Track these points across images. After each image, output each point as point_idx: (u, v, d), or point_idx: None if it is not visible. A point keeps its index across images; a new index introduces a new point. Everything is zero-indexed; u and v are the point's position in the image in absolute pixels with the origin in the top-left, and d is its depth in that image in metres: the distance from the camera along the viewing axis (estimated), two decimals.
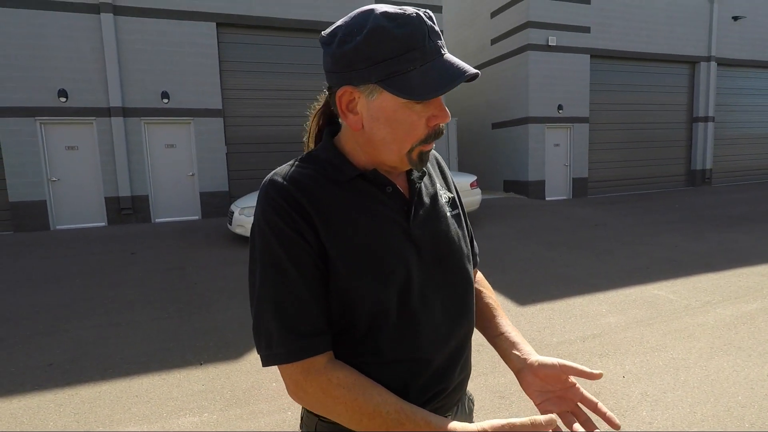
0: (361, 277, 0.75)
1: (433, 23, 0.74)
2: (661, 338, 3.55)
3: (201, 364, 3.32)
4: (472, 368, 0.99)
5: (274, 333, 0.72)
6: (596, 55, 12.16)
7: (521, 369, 0.88)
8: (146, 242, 7.49)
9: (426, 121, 0.75)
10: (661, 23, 12.88)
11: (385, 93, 0.72)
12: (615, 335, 3.63)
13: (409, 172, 0.85)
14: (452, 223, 0.89)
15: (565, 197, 12.27)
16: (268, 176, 0.79)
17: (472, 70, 0.73)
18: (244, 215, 6.89)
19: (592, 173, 12.61)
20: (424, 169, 0.88)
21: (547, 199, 11.87)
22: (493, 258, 6.20)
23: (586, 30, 11.92)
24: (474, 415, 1.03)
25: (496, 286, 4.93)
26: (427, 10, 0.74)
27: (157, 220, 9.21)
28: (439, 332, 0.82)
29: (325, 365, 0.73)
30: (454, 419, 0.83)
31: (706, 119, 13.85)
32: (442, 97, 0.75)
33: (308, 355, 0.72)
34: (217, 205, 9.41)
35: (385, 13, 0.70)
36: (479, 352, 3.13)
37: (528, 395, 0.87)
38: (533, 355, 0.88)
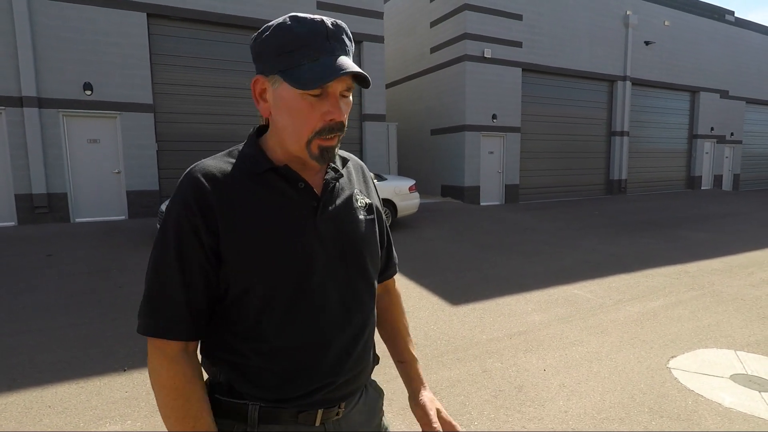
0: (256, 265, 0.82)
1: (338, 30, 0.81)
2: (579, 334, 3.84)
3: (125, 370, 3.13)
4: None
5: (144, 306, 0.82)
6: (527, 68, 12.92)
7: (410, 401, 1.05)
8: (64, 243, 6.90)
9: (321, 115, 0.81)
10: (584, 43, 13.95)
11: (284, 83, 0.80)
12: (538, 332, 3.89)
13: (326, 173, 0.91)
14: (363, 226, 0.94)
15: (498, 202, 12.88)
16: (191, 166, 0.86)
17: (353, 69, 0.78)
18: None
19: (523, 180, 13.36)
20: (342, 171, 0.95)
21: (481, 204, 12.40)
22: (429, 259, 6.38)
23: (519, 45, 12.64)
24: (385, 408, 1.10)
25: (432, 286, 5.08)
26: (337, 21, 0.82)
27: (78, 220, 8.50)
28: (333, 325, 0.88)
29: (175, 353, 0.81)
30: (351, 411, 0.94)
31: (622, 133, 15.16)
32: (338, 95, 0.81)
33: (159, 335, 0.81)
34: (145, 205, 8.85)
35: (294, 16, 0.80)
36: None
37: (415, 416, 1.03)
38: (416, 396, 1.04)
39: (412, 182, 8.45)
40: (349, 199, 0.94)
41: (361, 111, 10.99)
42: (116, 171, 8.78)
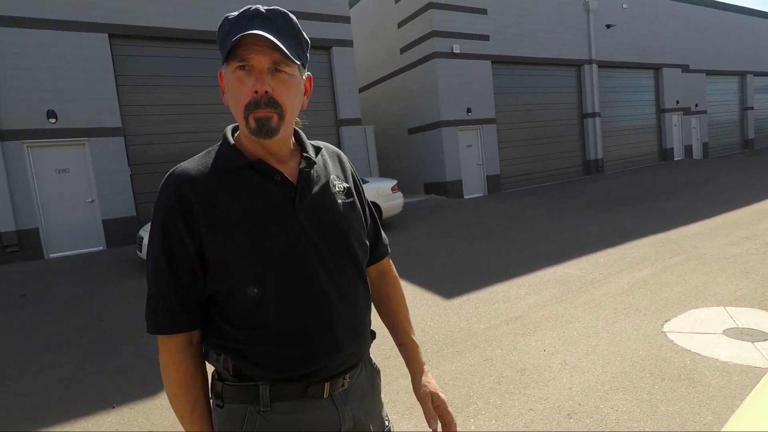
0: (242, 260, 0.86)
1: (268, 12, 0.86)
2: (574, 311, 3.87)
3: (114, 407, 3.00)
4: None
5: (147, 308, 0.90)
6: (496, 60, 13.08)
7: (412, 383, 1.10)
8: (39, 281, 6.65)
9: (249, 89, 0.84)
10: (549, 31, 14.19)
11: (226, 66, 0.87)
12: (534, 314, 3.89)
13: (300, 163, 0.95)
14: (342, 209, 0.98)
15: (481, 194, 12.97)
16: (169, 171, 0.90)
17: (253, 31, 0.82)
18: None
19: (503, 170, 13.48)
20: (317, 160, 0.99)
21: (465, 197, 12.47)
22: (418, 257, 6.37)
23: (486, 38, 12.78)
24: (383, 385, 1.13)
25: (425, 283, 5.06)
26: (276, 7, 0.87)
27: (52, 256, 8.19)
28: (327, 305, 0.92)
29: (179, 347, 0.89)
30: (355, 382, 0.98)
31: (593, 115, 15.45)
32: (263, 69, 0.84)
33: (162, 332, 0.89)
34: (123, 233, 8.57)
35: (240, 10, 0.87)
36: None
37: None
38: (414, 381, 1.09)
39: (394, 182, 8.44)
40: (326, 186, 0.97)
41: (337, 116, 10.95)
42: (89, 200, 8.51)
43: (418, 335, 3.93)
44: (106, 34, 8.44)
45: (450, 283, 5.02)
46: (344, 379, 0.95)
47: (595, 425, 2.30)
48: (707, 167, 15.33)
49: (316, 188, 0.95)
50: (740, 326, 3.19)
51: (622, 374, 2.76)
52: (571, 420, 2.36)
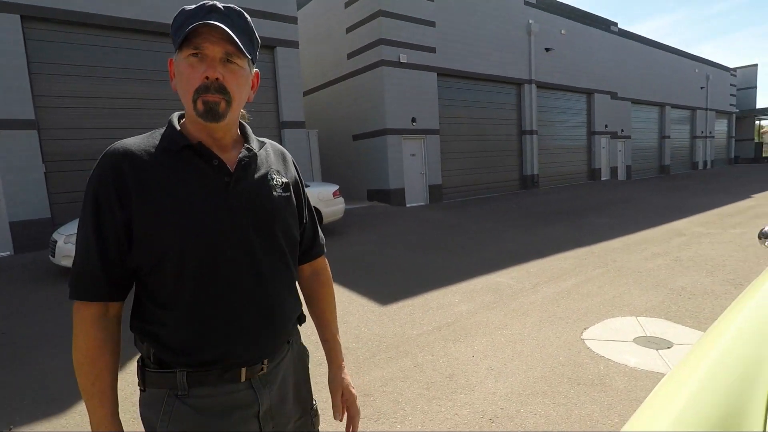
0: (168, 236, 0.88)
1: (225, 9, 0.92)
2: (503, 318, 4.00)
3: (11, 429, 2.69)
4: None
5: (71, 275, 0.92)
6: (442, 73, 13.45)
7: (328, 377, 1.18)
8: None
9: (200, 75, 0.89)
10: (493, 49, 14.84)
11: (178, 53, 0.91)
12: (466, 321, 3.99)
13: (240, 152, 0.99)
14: (276, 202, 1.02)
15: (423, 203, 13.22)
16: (111, 144, 0.93)
17: (208, 21, 0.88)
18: (70, 243, 5.73)
19: (445, 180, 13.84)
20: (259, 153, 1.03)
21: (407, 205, 12.64)
22: (357, 264, 6.34)
23: (433, 50, 13.12)
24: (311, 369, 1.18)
25: (362, 289, 5.04)
26: (233, 5, 0.94)
27: None
28: (246, 292, 0.94)
29: (94, 317, 0.90)
30: (277, 367, 1.02)
31: (531, 132, 16.30)
32: (216, 58, 0.90)
33: (80, 297, 0.90)
34: (34, 236, 7.68)
35: (196, 3, 0.93)
36: None
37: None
38: (331, 376, 1.17)
39: (335, 187, 8.38)
40: (264, 177, 1.01)
41: (279, 118, 10.73)
42: None
43: (353, 341, 3.89)
44: (18, 16, 7.57)
45: (387, 289, 5.03)
46: (263, 364, 0.97)
47: (515, 428, 2.37)
48: (630, 188, 16.64)
49: (252, 178, 0.99)
50: (648, 335, 3.45)
51: (542, 379, 2.88)
52: (493, 424, 2.42)
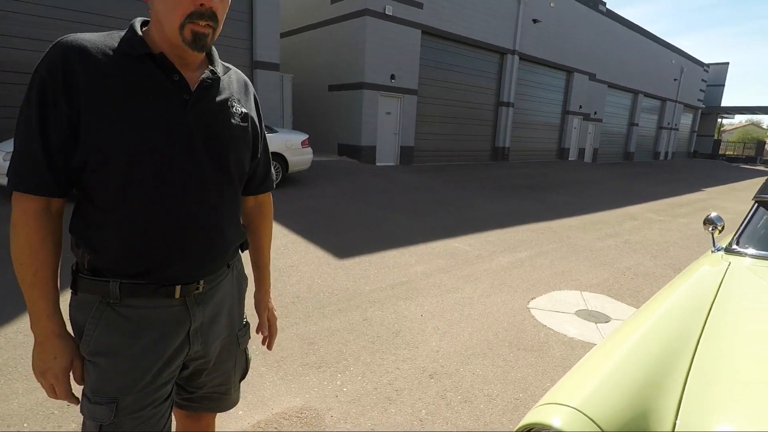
0: (117, 140, 0.86)
1: None
2: (456, 282, 4.07)
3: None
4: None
5: (11, 164, 0.88)
6: (426, 32, 13.02)
7: (254, 300, 1.32)
8: None
9: (192, 0, 0.86)
10: (481, 13, 14.43)
11: None
12: (419, 282, 4.03)
13: (204, 73, 0.97)
14: (233, 129, 1.01)
15: (393, 164, 13.11)
16: (64, 36, 0.88)
17: None
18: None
19: (418, 143, 13.72)
20: (223, 77, 1.01)
21: (377, 164, 12.50)
22: (319, 216, 6.26)
23: (420, 6, 12.61)
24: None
25: (320, 241, 4.98)
26: None
27: None
28: (189, 210, 0.94)
29: (35, 211, 0.88)
30: (213, 289, 1.05)
31: (508, 104, 16.26)
32: None
33: (22, 189, 0.87)
34: None
35: None
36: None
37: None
38: (257, 300, 1.32)
39: (304, 137, 8.12)
40: (225, 102, 1.00)
41: (252, 57, 10.16)
42: None
43: (305, 291, 3.86)
44: None
45: (346, 244, 5.01)
46: (198, 284, 0.99)
47: (452, 385, 2.44)
48: (594, 171, 17.10)
49: (213, 101, 0.97)
50: (590, 309, 3.61)
51: (485, 342, 2.97)
52: (432, 380, 2.49)
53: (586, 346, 2.95)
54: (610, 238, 6.15)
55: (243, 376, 1.27)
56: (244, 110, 1.05)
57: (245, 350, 1.24)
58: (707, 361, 1.11)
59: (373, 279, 4.02)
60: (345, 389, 2.37)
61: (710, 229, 2.09)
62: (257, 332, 1.28)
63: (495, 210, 7.64)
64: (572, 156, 20.78)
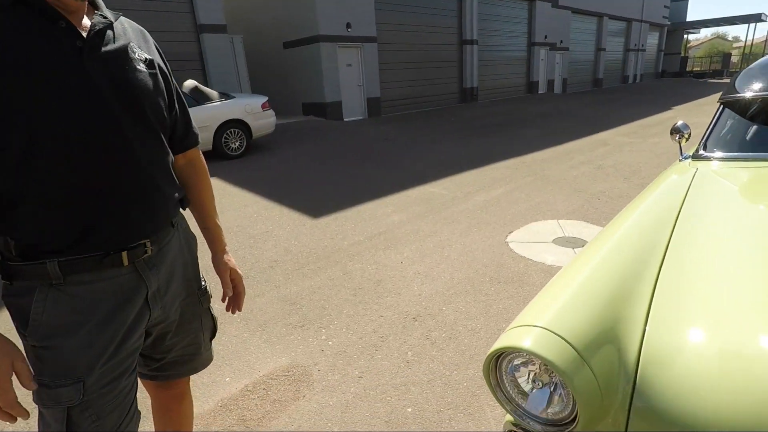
0: (13, 104, 0.75)
1: None
2: (433, 226, 4.06)
3: None
4: None
5: None
6: None
7: (212, 262, 1.22)
8: None
9: None
10: None
11: None
12: (397, 230, 4.00)
13: (94, 17, 0.88)
14: (141, 76, 0.93)
15: (361, 117, 12.79)
16: None
17: None
18: None
19: (384, 93, 13.34)
20: (115, 24, 0.92)
21: (345, 120, 12.18)
22: (290, 179, 6.10)
23: None
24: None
25: (293, 204, 4.87)
26: None
27: None
28: (111, 166, 0.86)
29: None
30: (163, 250, 1.00)
31: (472, 42, 15.81)
32: None
33: None
34: None
35: None
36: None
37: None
38: (215, 259, 1.22)
39: (264, 99, 7.77)
40: (125, 49, 0.91)
41: (196, 21, 9.52)
42: None
43: (282, 254, 3.78)
44: None
45: (319, 203, 4.91)
46: (146, 246, 0.94)
47: (436, 325, 2.46)
48: (564, 101, 17.02)
49: (111, 46, 0.88)
50: (567, 236, 3.65)
51: (466, 280, 2.99)
52: (416, 322, 2.50)
53: None
54: (583, 166, 6.18)
55: (213, 335, 1.25)
56: (147, 56, 0.97)
57: (209, 309, 1.21)
58: (675, 267, 1.09)
59: (350, 233, 3.97)
60: (330, 343, 2.36)
61: (677, 137, 2.06)
62: (223, 297, 1.21)
63: (468, 152, 7.57)
64: (542, 89, 20.60)
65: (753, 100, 1.85)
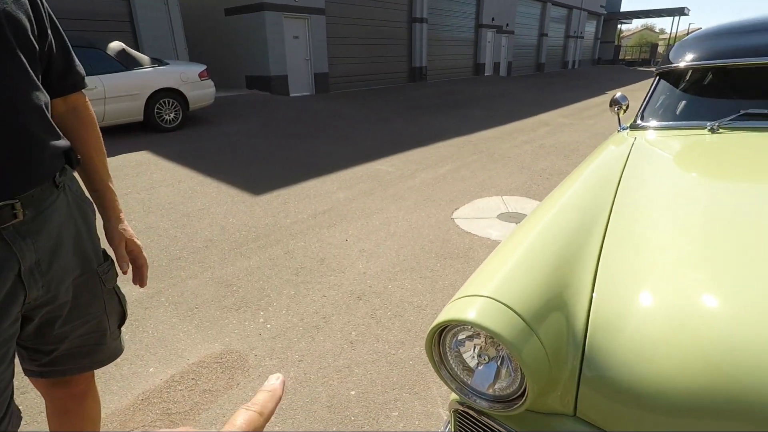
0: None
1: None
2: (380, 203, 3.96)
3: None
4: None
5: None
6: None
7: (104, 231, 1.04)
8: None
9: None
10: None
11: None
12: (342, 208, 3.87)
13: None
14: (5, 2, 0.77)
15: (308, 93, 12.36)
16: None
17: None
18: None
19: (333, 69, 12.95)
20: None
21: (291, 95, 11.72)
22: (230, 153, 5.75)
23: None
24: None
25: (233, 180, 4.59)
26: None
27: None
28: None
29: None
30: (41, 215, 0.84)
31: (421, 20, 15.66)
32: None
33: None
34: None
35: None
36: None
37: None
38: (107, 228, 1.04)
39: (202, 68, 7.23)
40: None
41: None
42: None
43: (218, 233, 3.52)
44: None
45: (261, 180, 4.66)
46: (14, 209, 0.77)
47: (381, 303, 2.38)
48: (509, 84, 17.39)
49: None
50: (510, 211, 3.68)
51: (412, 257, 2.93)
52: (360, 301, 2.41)
53: None
54: (526, 145, 6.31)
55: (121, 321, 1.08)
56: None
57: (115, 289, 1.05)
58: (618, 232, 1.06)
59: (293, 211, 3.79)
60: (269, 326, 2.22)
61: (615, 109, 2.07)
62: (121, 270, 1.03)
63: (415, 130, 7.51)
64: (488, 71, 20.93)
65: (685, 69, 1.88)
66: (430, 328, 0.86)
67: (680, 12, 31.66)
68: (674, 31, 41.16)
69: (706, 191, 1.22)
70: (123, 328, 1.13)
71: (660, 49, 41.09)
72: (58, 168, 0.89)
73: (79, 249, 0.94)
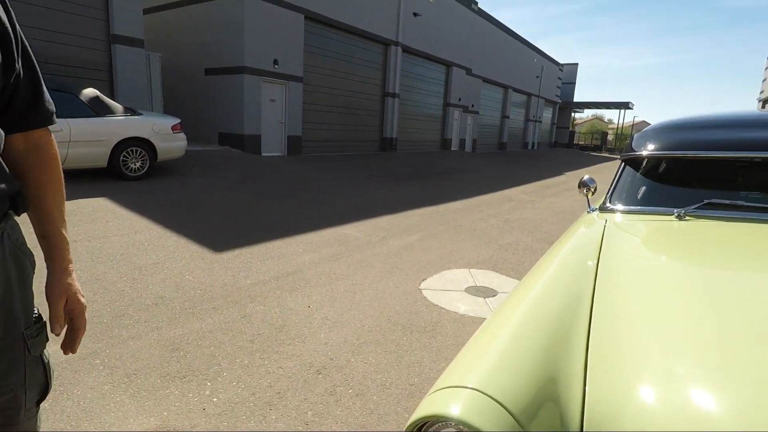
0: None
1: None
2: (346, 269, 3.85)
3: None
4: None
5: None
6: (310, 17, 12.55)
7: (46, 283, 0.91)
8: None
9: None
10: (365, 3, 14.36)
11: None
12: (307, 271, 3.73)
13: None
14: None
15: (280, 154, 12.48)
16: None
17: None
18: None
19: (306, 133, 13.23)
20: None
21: (263, 154, 11.77)
22: (194, 207, 5.57)
23: None
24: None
25: (194, 235, 4.39)
26: None
27: None
28: None
29: None
30: None
31: (394, 95, 16.54)
32: None
33: None
34: None
35: None
36: None
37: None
38: (50, 281, 0.91)
39: (175, 121, 7.20)
40: None
41: (109, 30, 8.76)
42: None
43: (170, 290, 3.29)
44: None
45: (224, 236, 4.48)
46: None
47: (343, 379, 2.21)
48: (474, 159, 18.27)
49: None
50: (478, 285, 3.66)
51: (377, 328, 2.79)
52: (320, 375, 2.23)
53: (477, 321, 2.94)
54: (492, 218, 6.47)
55: (42, 396, 0.92)
56: None
57: (42, 357, 0.90)
58: (604, 320, 1.02)
59: (255, 272, 3.61)
60: (215, 399, 1.99)
61: (584, 191, 2.14)
62: (53, 331, 0.89)
63: (384, 197, 7.61)
64: (454, 146, 22.00)
65: (648, 157, 1.99)
66: (408, 424, 0.76)
67: (626, 105, 35.21)
68: (621, 122, 45.58)
69: (685, 278, 1.22)
70: (43, 403, 0.95)
71: (610, 137, 44.95)
72: (5, 219, 0.79)
73: (6, 307, 0.81)
